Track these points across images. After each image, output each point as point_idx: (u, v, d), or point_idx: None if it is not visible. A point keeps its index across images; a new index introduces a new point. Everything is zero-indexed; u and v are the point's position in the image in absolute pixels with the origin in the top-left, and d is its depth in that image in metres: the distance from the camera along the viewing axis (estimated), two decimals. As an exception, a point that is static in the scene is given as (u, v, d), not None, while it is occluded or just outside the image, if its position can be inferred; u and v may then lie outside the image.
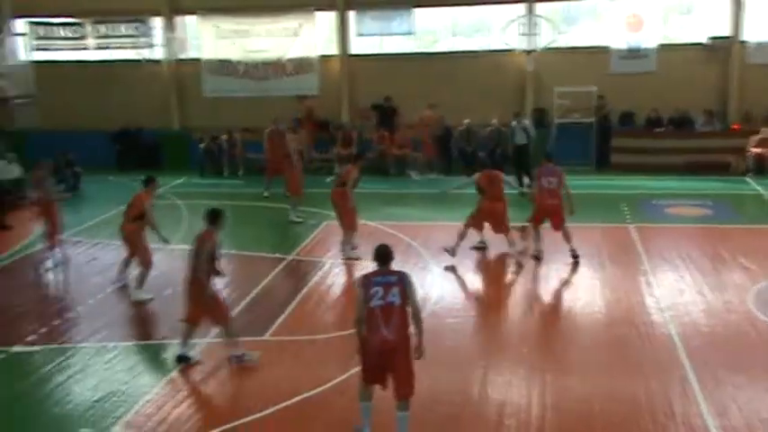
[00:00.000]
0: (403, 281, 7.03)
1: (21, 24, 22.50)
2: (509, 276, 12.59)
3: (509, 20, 21.01)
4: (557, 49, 20.92)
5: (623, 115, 21.12)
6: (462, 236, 12.72)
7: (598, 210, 15.95)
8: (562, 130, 20.43)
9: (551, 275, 12.34)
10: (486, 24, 22.20)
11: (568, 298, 11.54)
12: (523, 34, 20.92)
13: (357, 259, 12.71)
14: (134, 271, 11.89)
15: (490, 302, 11.59)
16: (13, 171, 18.11)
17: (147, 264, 11.66)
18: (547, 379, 8.67)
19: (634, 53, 21.07)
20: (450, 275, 12.40)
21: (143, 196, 11.62)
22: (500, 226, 12.88)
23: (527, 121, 19.53)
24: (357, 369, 8.96)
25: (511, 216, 13.05)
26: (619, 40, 21.15)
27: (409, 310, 7.00)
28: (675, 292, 11.31)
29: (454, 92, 21.12)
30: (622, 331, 9.91)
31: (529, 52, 20.98)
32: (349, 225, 13.08)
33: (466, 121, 20.31)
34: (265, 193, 18.00)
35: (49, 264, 13.38)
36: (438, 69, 21.52)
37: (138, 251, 11.73)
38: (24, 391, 8.86)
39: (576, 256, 12.53)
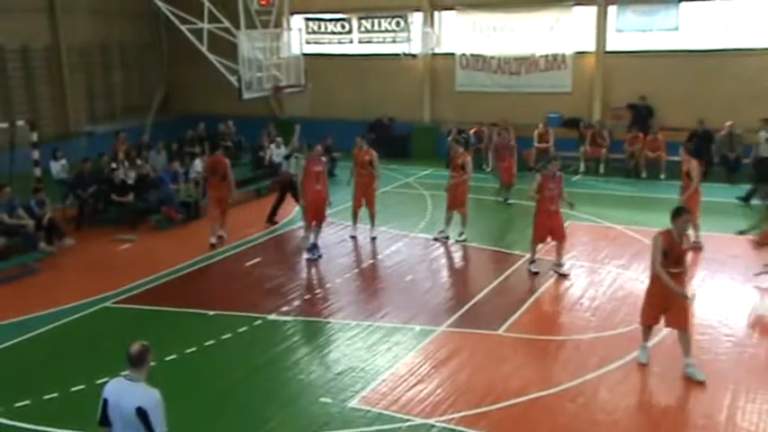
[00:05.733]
0: None
1: (297, 20, 24.55)
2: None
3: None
4: None
5: None
6: None
7: None
8: None
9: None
10: (764, 19, 20.16)
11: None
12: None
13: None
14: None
15: (749, 319, 10.58)
16: (281, 155, 19.93)
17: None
18: (808, 413, 7.82)
19: None
20: (703, 288, 11.59)
21: None
22: None
23: None
24: (591, 376, 8.77)
25: None
26: None
27: None
28: None
29: (719, 92, 19.56)
30: None
31: (815, 50, 18.85)
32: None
33: (728, 123, 18.75)
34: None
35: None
36: (702, 68, 20.01)
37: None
38: (274, 357, 9.73)
39: None
